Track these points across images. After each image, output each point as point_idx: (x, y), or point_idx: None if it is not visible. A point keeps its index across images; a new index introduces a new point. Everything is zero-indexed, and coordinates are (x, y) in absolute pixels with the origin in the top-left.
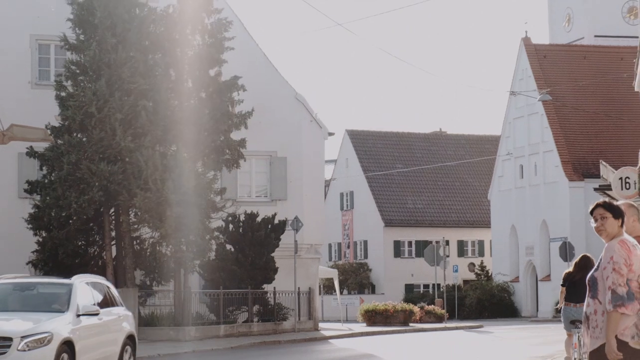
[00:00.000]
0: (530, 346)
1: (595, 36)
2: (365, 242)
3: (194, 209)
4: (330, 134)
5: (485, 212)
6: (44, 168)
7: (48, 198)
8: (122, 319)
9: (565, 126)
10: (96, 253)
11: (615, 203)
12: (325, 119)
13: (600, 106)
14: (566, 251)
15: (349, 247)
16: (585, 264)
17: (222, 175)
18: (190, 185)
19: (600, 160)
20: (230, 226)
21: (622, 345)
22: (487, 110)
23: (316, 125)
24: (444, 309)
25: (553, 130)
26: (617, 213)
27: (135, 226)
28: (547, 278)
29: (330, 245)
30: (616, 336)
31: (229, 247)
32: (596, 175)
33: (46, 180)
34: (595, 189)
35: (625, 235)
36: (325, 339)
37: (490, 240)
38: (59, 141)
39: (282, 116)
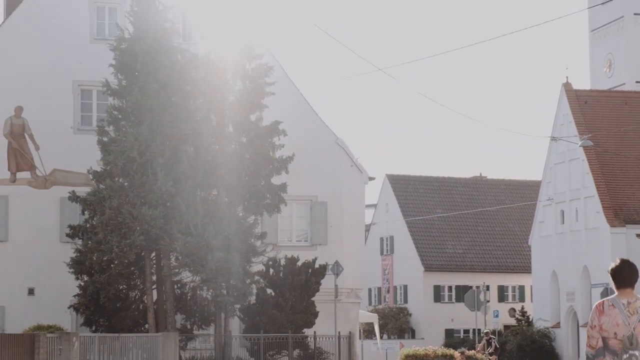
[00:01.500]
0: None
1: (637, 82)
2: (405, 287)
3: (235, 253)
4: (371, 179)
5: (526, 258)
6: (85, 212)
7: (90, 242)
8: None
9: (606, 172)
10: (137, 297)
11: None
12: (366, 164)
13: None
14: (607, 296)
15: (388, 291)
16: None
17: (263, 220)
18: (231, 229)
19: None
20: (271, 270)
21: None
22: (528, 156)
23: (357, 170)
24: (484, 353)
25: (594, 175)
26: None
27: (176, 270)
28: None
29: (370, 290)
30: None
31: (269, 291)
32: (638, 221)
33: (88, 225)
34: (638, 235)
35: (610, 297)
36: None
37: (531, 286)
38: (101, 186)
39: (322, 161)
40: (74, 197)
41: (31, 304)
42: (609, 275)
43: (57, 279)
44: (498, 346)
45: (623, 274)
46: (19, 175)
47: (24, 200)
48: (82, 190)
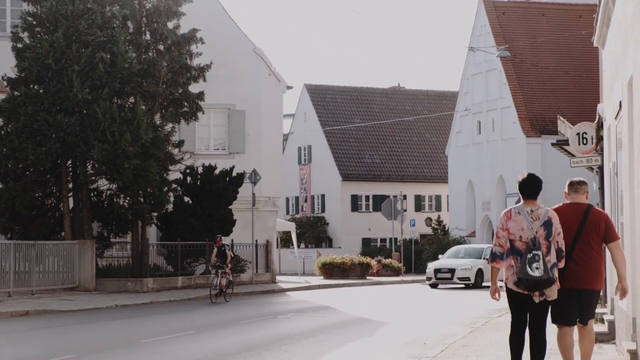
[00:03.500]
0: (483, 300)
1: None
2: (323, 196)
3: (152, 161)
4: (289, 88)
5: (443, 167)
6: (0, 119)
7: (4, 150)
8: None
9: (523, 83)
10: (53, 205)
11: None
12: (284, 73)
13: (558, 63)
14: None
15: (306, 200)
16: None
17: (181, 128)
18: (148, 137)
19: (558, 116)
20: (188, 178)
21: (507, 289)
22: (446, 67)
23: (274, 79)
24: (401, 262)
25: (511, 86)
26: None
27: (93, 178)
28: None
29: (287, 199)
30: (505, 283)
31: (186, 199)
32: (553, 131)
33: (2, 132)
34: (553, 144)
35: (516, 205)
36: (283, 291)
37: (447, 195)
38: (16, 93)
39: (240, 69)
40: None
41: None
42: (517, 186)
43: None
44: (233, 255)
45: (528, 186)
46: None
47: None
48: None
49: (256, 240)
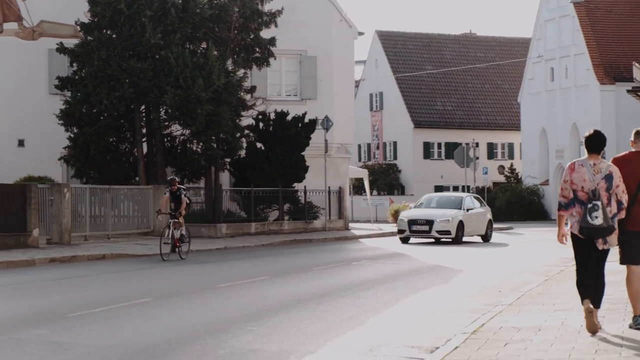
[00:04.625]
0: (558, 248)
1: None
2: (395, 143)
3: (224, 106)
4: (360, 34)
5: (515, 115)
6: (74, 64)
7: (79, 94)
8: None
9: (596, 29)
10: (127, 149)
11: None
12: (355, 19)
13: (633, 9)
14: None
15: (378, 147)
16: None
17: (252, 74)
18: (220, 83)
19: (634, 62)
20: (261, 124)
21: (572, 235)
22: (518, 13)
23: (346, 25)
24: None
25: (584, 32)
26: None
27: (166, 123)
28: None
29: (359, 146)
30: (571, 230)
31: (259, 145)
32: (628, 78)
33: (76, 77)
34: (628, 91)
35: (580, 159)
36: (356, 238)
37: (520, 143)
38: (89, 38)
39: (311, 15)
40: (62, 49)
41: (21, 156)
42: (583, 141)
43: (47, 130)
44: (190, 201)
45: (594, 142)
46: (6, 26)
47: (11, 52)
48: (70, 42)
49: (329, 187)
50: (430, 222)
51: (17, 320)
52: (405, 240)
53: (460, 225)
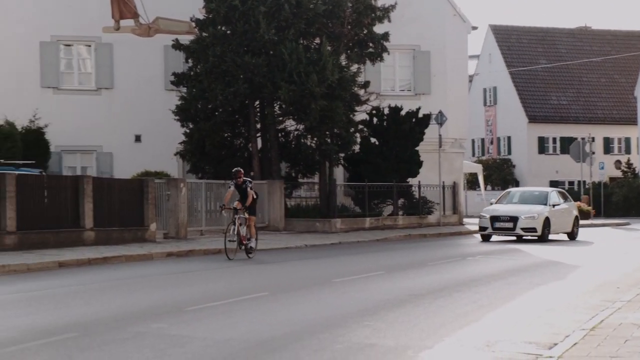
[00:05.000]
0: None
1: None
2: (509, 138)
3: (338, 102)
4: (474, 28)
5: (632, 109)
6: (189, 60)
7: (194, 90)
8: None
9: None
10: (242, 145)
11: None
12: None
13: None
14: None
15: (492, 142)
16: None
17: (366, 69)
18: (334, 78)
19: None
20: (375, 119)
21: None
22: (634, 5)
23: (459, 19)
24: (590, 205)
25: None
26: None
27: (280, 119)
28: None
29: (473, 141)
30: None
31: (373, 140)
32: None
33: (192, 73)
34: None
35: None
36: (470, 233)
37: (637, 137)
38: (204, 34)
39: (425, 10)
40: (177, 45)
41: (138, 151)
42: None
43: (163, 126)
44: (257, 196)
45: None
46: (123, 23)
47: (128, 48)
48: (186, 39)
49: (443, 182)
50: (514, 219)
51: (136, 314)
52: (486, 238)
53: (547, 222)
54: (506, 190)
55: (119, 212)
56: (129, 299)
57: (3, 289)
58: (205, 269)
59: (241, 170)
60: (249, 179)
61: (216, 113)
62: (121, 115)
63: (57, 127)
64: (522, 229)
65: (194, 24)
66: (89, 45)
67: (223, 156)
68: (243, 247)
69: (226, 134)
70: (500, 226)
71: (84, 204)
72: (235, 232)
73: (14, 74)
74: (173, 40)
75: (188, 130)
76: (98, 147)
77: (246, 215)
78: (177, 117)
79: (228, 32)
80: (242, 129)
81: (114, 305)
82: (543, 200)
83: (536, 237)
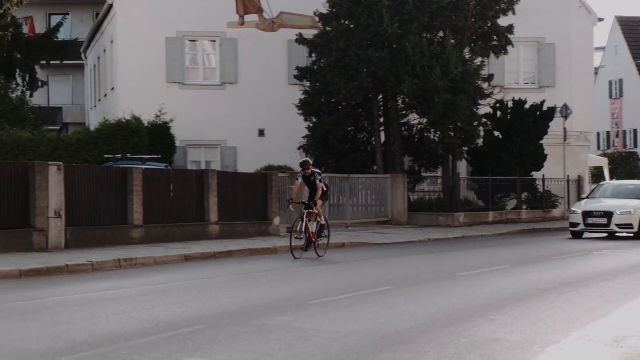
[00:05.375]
0: None
1: None
2: (635, 131)
3: (462, 95)
4: (600, 20)
5: None
6: (313, 55)
7: (318, 84)
8: None
9: None
10: (365, 139)
11: None
12: (594, 5)
13: None
14: None
15: (617, 136)
16: None
17: (490, 62)
18: (458, 71)
19: None
20: (498, 113)
21: None
22: None
23: (585, 11)
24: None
25: None
26: None
27: (404, 112)
28: None
29: (598, 134)
30: None
31: (496, 134)
32: None
33: (315, 67)
34: None
35: None
36: None
37: None
38: (327, 28)
39: (549, 2)
40: (301, 40)
41: (261, 145)
42: None
43: (286, 120)
44: (327, 188)
45: None
46: (247, 18)
47: (252, 43)
48: (309, 33)
49: (568, 176)
50: (608, 215)
51: (261, 307)
52: (578, 236)
53: None
54: (599, 184)
55: (243, 206)
56: (254, 293)
57: (131, 282)
58: (328, 262)
59: (310, 161)
60: (318, 171)
61: (339, 107)
62: (245, 110)
63: (182, 122)
64: (617, 225)
65: (317, 19)
66: (214, 41)
67: (346, 150)
68: (312, 245)
69: (349, 128)
70: (594, 222)
71: (209, 198)
72: (304, 229)
73: (140, 69)
74: (297, 35)
75: (311, 125)
76: (222, 141)
77: (315, 211)
78: (300, 112)
79: (351, 26)
80: (365, 123)
81: (240, 298)
82: (639, 194)
83: (632, 235)
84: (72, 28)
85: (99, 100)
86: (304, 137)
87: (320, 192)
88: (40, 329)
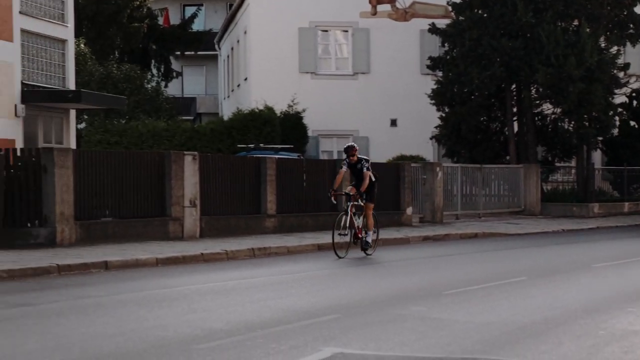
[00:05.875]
0: None
1: None
2: None
3: (597, 84)
4: None
5: None
6: (445, 44)
7: (450, 74)
8: None
9: None
10: (498, 129)
11: None
12: None
13: None
14: None
15: None
16: None
17: (626, 51)
18: (593, 60)
19: None
20: (634, 102)
21: None
22: None
23: None
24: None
25: None
26: None
27: (537, 102)
28: None
29: None
30: None
31: (632, 123)
32: None
33: (448, 57)
34: None
35: None
36: None
37: None
38: (460, 17)
39: None
40: (433, 29)
41: (393, 135)
42: None
43: (418, 110)
44: (376, 178)
45: None
46: (380, 8)
47: (384, 33)
48: (442, 22)
49: None
50: None
51: (395, 297)
52: None
53: None
54: None
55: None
56: (388, 282)
57: (264, 271)
58: (459, 252)
59: (355, 146)
60: (366, 157)
61: (472, 97)
62: (377, 100)
63: (314, 112)
64: None
65: (450, 8)
66: (346, 31)
67: (478, 140)
68: (357, 241)
69: (482, 118)
70: None
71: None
72: (348, 224)
73: (273, 60)
74: (429, 25)
75: (443, 114)
76: (354, 131)
77: (362, 203)
78: (432, 101)
79: (485, 15)
80: (498, 113)
81: (373, 287)
82: None
83: None
84: (206, 19)
85: (232, 91)
86: (435, 127)
87: (367, 182)
88: (176, 317)
